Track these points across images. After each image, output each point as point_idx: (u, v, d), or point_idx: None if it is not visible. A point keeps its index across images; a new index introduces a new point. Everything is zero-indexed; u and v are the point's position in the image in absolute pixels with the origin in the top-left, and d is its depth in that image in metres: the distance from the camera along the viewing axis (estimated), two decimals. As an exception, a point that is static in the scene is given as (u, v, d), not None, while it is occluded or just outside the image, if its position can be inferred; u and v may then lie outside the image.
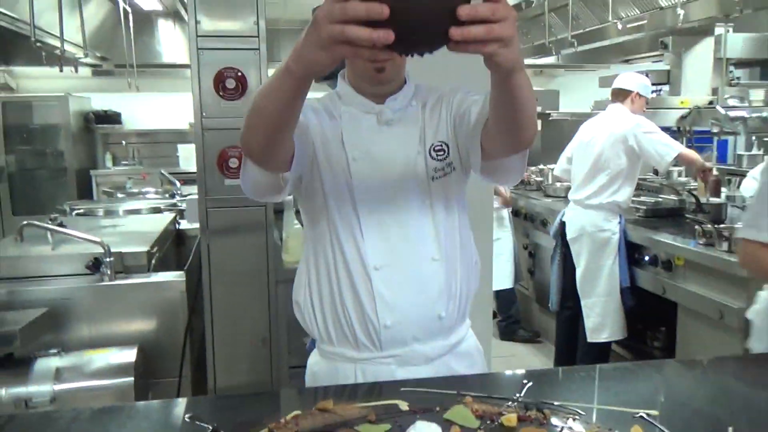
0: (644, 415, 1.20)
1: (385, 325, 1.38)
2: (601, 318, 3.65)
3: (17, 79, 7.17)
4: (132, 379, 2.21)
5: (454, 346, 1.47)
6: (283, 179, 1.30)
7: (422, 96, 1.46)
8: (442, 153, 1.40)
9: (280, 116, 1.13)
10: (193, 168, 2.53)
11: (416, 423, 1.16)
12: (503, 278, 4.65)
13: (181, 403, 1.36)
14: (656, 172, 4.82)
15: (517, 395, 1.30)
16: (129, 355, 2.26)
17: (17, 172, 6.53)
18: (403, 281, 1.38)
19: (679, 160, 3.75)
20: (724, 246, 2.90)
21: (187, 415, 1.24)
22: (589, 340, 3.70)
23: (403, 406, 1.25)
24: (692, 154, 3.80)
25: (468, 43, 0.88)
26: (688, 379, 1.54)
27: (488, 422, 1.19)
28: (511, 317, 4.79)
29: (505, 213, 4.73)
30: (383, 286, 1.37)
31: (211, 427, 1.17)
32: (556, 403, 1.26)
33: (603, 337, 3.66)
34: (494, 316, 4.63)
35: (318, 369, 1.48)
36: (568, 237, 3.82)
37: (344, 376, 1.42)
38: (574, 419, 1.19)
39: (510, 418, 1.18)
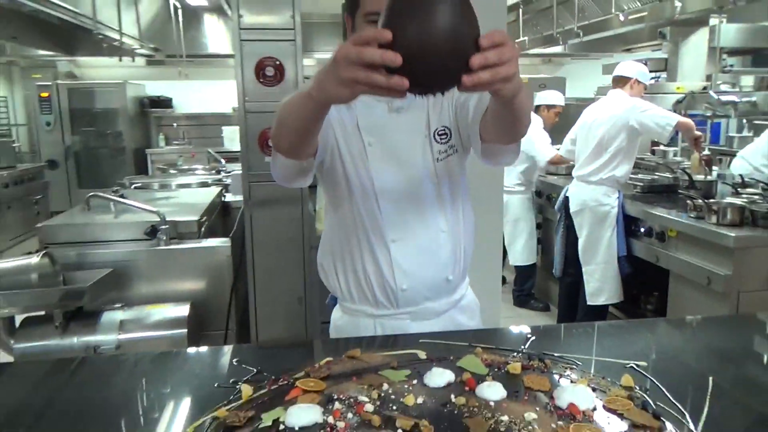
0: (634, 366, 1.22)
1: (402, 289, 1.42)
2: (600, 283, 3.65)
3: (80, 68, 7.26)
4: (185, 330, 2.27)
5: (457, 302, 1.51)
6: (309, 164, 1.32)
7: None
8: (445, 137, 1.42)
9: (303, 130, 1.16)
10: (236, 147, 2.55)
11: (432, 369, 1.19)
12: (523, 255, 4.61)
13: (228, 350, 1.40)
14: (653, 152, 4.75)
15: (522, 347, 1.33)
16: (183, 310, 2.32)
17: (82, 151, 6.65)
18: (417, 251, 1.42)
19: (678, 128, 3.64)
20: (713, 219, 2.87)
21: (234, 359, 1.28)
22: (588, 303, 3.70)
23: (421, 355, 1.28)
24: (689, 121, 3.68)
25: (476, 86, 0.90)
26: (675, 336, 1.56)
27: (496, 370, 1.21)
28: (524, 290, 4.75)
29: (529, 194, 4.66)
30: (400, 255, 1.41)
31: (255, 370, 1.22)
32: (556, 354, 1.28)
33: (601, 301, 3.66)
34: (504, 281, 4.63)
35: (341, 323, 1.52)
36: (571, 210, 3.80)
37: (364, 329, 1.46)
38: (572, 369, 1.21)
39: (515, 367, 1.21)
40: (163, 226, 2.53)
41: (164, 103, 7.24)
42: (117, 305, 2.32)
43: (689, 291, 2.95)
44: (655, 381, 1.15)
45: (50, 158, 6.51)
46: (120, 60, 4.88)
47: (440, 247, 1.43)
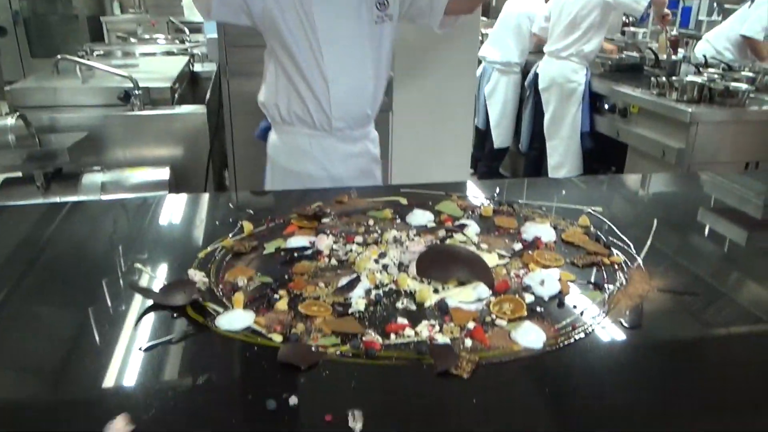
0: (591, 211, 1.39)
1: (336, 117, 1.72)
2: (562, 157, 3.83)
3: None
4: (167, 192, 2.35)
5: (368, 133, 1.87)
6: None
7: None
8: (384, 6, 1.71)
9: None
10: (197, 17, 2.50)
11: (414, 211, 1.34)
12: (504, 137, 4.49)
13: (222, 196, 1.51)
14: (623, 32, 4.80)
15: (493, 195, 1.49)
16: (163, 173, 2.38)
17: (31, 17, 6.31)
18: (349, 89, 1.72)
19: (652, 4, 3.65)
20: (674, 95, 3.02)
21: (230, 203, 1.40)
22: (550, 175, 3.89)
23: (403, 201, 1.43)
24: None
25: None
26: (628, 188, 1.74)
27: (470, 213, 1.37)
28: (492, 168, 4.69)
29: (519, 76, 4.41)
30: (336, 91, 1.69)
31: (252, 211, 1.34)
32: (522, 201, 1.45)
33: (562, 174, 3.85)
34: (480, 159, 4.69)
35: (279, 143, 1.81)
36: (540, 86, 3.90)
37: (301, 145, 1.77)
38: (536, 213, 1.38)
39: (487, 210, 1.37)
40: (136, 92, 2.53)
41: (117, -34, 6.81)
42: (96, 168, 2.37)
43: (644, 164, 3.15)
44: (607, 221, 1.33)
45: (-3, 24, 6.17)
46: None
47: (367, 88, 1.75)
